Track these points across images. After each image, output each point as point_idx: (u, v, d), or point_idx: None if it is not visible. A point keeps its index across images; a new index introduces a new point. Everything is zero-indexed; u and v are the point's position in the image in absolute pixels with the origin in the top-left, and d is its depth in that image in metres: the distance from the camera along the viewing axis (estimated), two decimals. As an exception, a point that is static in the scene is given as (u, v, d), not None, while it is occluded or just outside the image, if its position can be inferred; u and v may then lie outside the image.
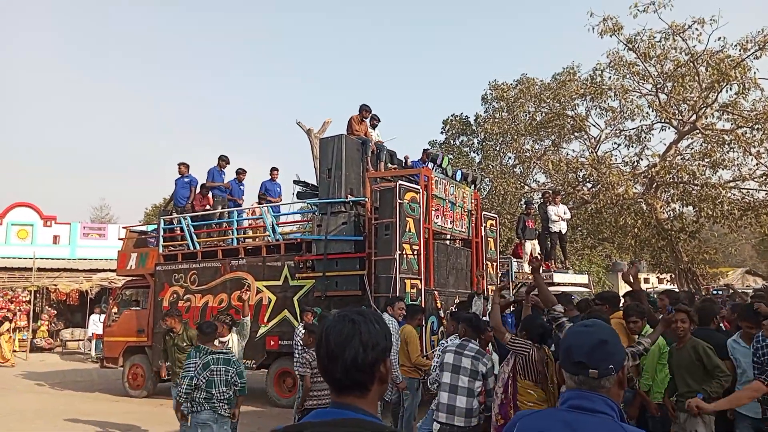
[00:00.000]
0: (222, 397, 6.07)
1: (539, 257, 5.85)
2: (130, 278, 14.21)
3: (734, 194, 18.45)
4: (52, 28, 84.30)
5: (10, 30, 75.53)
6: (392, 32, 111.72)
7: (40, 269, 21.60)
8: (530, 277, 13.92)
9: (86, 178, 77.92)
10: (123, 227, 16.79)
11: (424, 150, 12.96)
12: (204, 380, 6.02)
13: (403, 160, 12.80)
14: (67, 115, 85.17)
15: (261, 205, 13.08)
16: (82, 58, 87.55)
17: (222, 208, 13.45)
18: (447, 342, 6.17)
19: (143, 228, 16.84)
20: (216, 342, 7.32)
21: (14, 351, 20.76)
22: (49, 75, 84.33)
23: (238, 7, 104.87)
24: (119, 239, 15.60)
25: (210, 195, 13.58)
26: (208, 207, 13.42)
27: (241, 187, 14.12)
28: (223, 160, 13.88)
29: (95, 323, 19.00)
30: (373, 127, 12.48)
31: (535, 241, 14.51)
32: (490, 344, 7.00)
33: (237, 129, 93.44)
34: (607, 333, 1.93)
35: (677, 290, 17.69)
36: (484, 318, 7.56)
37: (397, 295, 9.37)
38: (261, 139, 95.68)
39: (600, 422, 1.80)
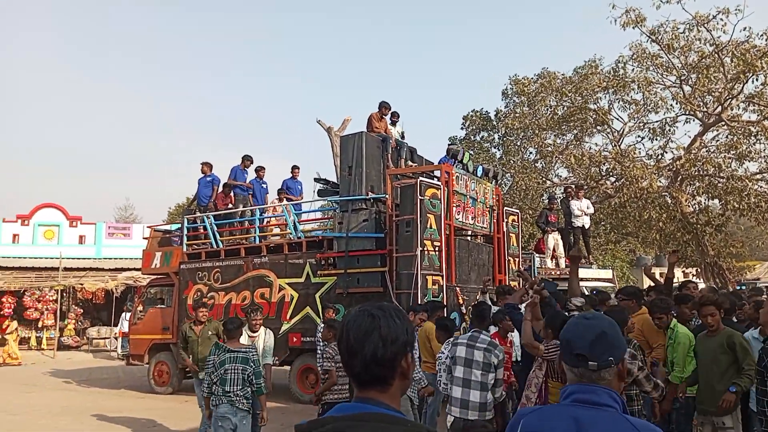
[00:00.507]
0: (240, 394, 6.14)
1: (581, 253, 5.62)
2: (154, 277, 14.37)
3: (761, 186, 18.12)
4: (52, 29, 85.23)
5: (10, 30, 76.49)
6: (408, 30, 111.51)
7: (66, 269, 21.95)
8: (553, 272, 13.84)
9: (111, 177, 78.90)
10: (147, 227, 17.02)
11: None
12: (218, 378, 6.12)
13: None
14: (91, 116, 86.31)
15: (282, 203, 13.16)
16: (89, 57, 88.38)
17: (243, 207, 13.57)
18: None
19: (167, 227, 17.04)
20: (243, 339, 7.42)
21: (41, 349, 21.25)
22: (56, 75, 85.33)
23: (238, 7, 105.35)
24: (144, 238, 15.80)
25: (232, 194, 13.70)
26: (230, 205, 13.54)
27: (263, 185, 14.20)
28: (248, 160, 14.02)
29: (125, 321, 19.27)
30: (393, 123, 12.48)
31: (558, 235, 14.36)
32: (510, 334, 6.96)
33: (237, 129, 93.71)
34: (607, 325, 1.93)
35: (700, 283, 17.45)
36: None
37: (419, 292, 9.36)
38: (261, 138, 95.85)
39: (607, 416, 1.78)
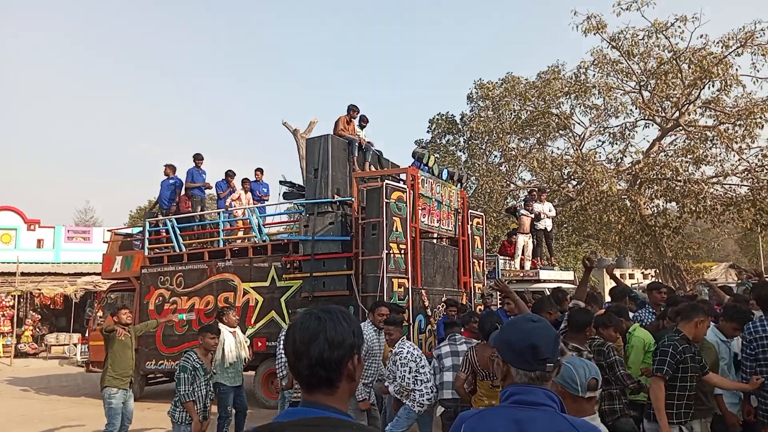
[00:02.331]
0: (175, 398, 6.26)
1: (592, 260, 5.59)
2: (115, 281, 14.09)
3: (717, 190, 18.66)
4: (42, 30, 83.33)
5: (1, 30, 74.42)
6: (378, 33, 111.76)
7: (23, 274, 21.37)
8: (521, 274, 13.99)
9: (70, 180, 77.20)
10: (108, 230, 16.68)
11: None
12: None
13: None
14: (49, 117, 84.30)
15: (247, 206, 13.03)
16: (71, 60, 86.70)
17: (201, 209, 13.38)
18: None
19: (128, 231, 16.74)
20: (227, 334, 7.96)
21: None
22: (36, 78, 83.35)
23: (226, 9, 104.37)
24: (104, 242, 15.49)
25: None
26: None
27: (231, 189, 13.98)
28: (198, 159, 13.73)
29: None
30: (362, 127, 12.47)
31: (528, 237, 14.45)
32: None
33: (223, 130, 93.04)
34: (552, 326, 2.02)
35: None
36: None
37: (384, 294, 9.36)
38: (248, 140, 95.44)
39: (546, 415, 1.83)
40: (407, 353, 6.26)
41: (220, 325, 8.08)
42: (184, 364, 6.26)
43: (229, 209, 13.08)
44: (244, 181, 13.72)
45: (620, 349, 5.79)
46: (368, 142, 12.24)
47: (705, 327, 4.62)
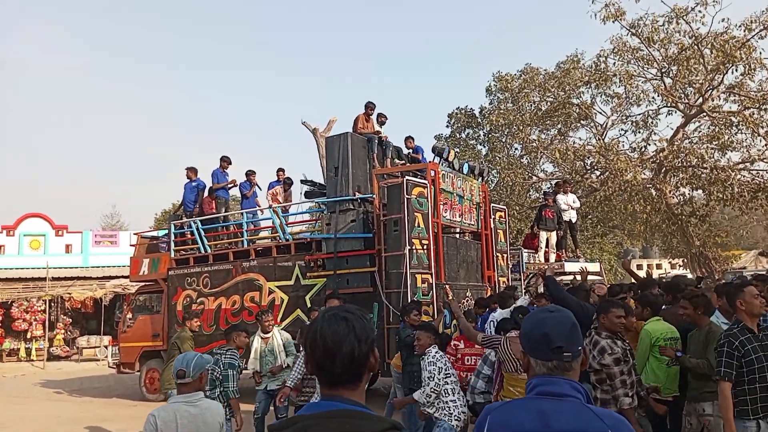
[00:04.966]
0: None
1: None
2: (143, 284, 14.30)
3: (744, 176, 18.32)
4: (58, 28, 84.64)
5: (15, 26, 75.61)
6: (394, 30, 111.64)
7: (53, 279, 21.78)
8: (545, 267, 13.91)
9: (96, 185, 78.33)
10: (134, 233, 16.90)
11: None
12: None
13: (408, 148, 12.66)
14: (72, 122, 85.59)
15: (269, 206, 13.13)
16: (87, 61, 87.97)
17: (225, 210, 13.51)
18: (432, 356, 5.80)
19: (154, 233, 16.96)
20: (256, 341, 8.10)
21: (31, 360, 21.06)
22: (55, 80, 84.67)
23: (241, 8, 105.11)
24: (131, 246, 15.72)
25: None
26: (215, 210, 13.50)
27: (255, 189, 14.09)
28: (225, 161, 13.89)
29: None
30: (381, 124, 12.48)
31: (552, 233, 14.31)
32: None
33: (243, 131, 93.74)
34: (573, 316, 2.00)
35: (687, 273, 17.61)
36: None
37: (408, 290, 9.37)
38: (268, 139, 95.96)
39: (570, 406, 1.83)
40: (434, 354, 5.78)
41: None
42: (231, 362, 6.23)
43: (270, 207, 13.14)
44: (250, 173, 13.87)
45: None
46: (387, 139, 12.26)
47: (754, 300, 4.29)
